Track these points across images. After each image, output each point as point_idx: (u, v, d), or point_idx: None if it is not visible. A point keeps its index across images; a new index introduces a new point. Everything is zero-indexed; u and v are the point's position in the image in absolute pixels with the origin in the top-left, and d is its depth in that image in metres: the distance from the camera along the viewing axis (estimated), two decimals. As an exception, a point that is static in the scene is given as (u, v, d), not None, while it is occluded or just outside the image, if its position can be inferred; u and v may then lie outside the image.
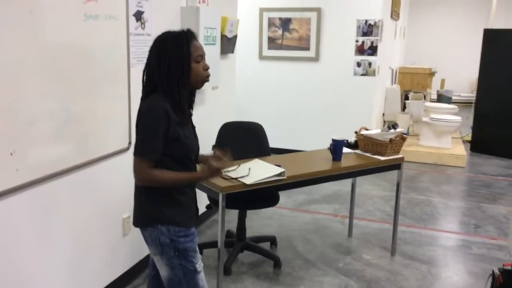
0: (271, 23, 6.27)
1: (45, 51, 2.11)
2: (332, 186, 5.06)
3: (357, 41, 5.97)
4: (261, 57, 6.40)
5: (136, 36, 2.82)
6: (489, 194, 5.10)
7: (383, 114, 7.12)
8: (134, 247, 3.02)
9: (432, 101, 8.89)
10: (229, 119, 3.78)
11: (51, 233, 2.30)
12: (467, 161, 6.37)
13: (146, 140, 1.80)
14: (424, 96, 7.65)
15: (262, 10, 6.27)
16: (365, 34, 5.93)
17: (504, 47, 6.57)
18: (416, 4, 11.54)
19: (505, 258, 3.52)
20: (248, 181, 2.55)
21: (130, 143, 2.80)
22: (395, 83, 8.43)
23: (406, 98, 7.68)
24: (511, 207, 4.71)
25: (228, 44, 4.07)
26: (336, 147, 3.12)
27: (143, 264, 3.09)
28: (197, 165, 2.05)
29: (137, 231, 2.00)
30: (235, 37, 4.20)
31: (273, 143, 3.62)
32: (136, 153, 1.82)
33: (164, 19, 3.16)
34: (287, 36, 6.23)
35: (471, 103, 7.67)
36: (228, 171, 2.64)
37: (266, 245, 3.60)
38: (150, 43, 1.90)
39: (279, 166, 2.72)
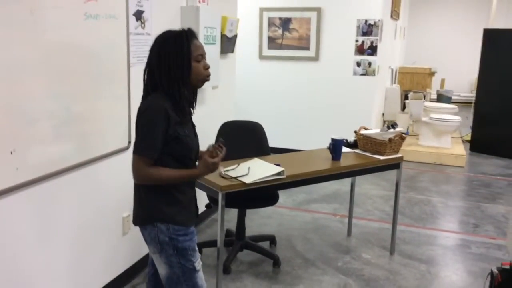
0: (271, 22, 6.27)
1: (45, 51, 2.12)
2: (332, 185, 5.06)
3: (357, 41, 5.97)
4: (261, 56, 6.41)
5: (136, 35, 2.82)
6: (488, 194, 5.11)
7: (383, 114, 7.13)
8: (134, 246, 3.02)
9: (431, 101, 8.90)
10: (229, 119, 3.79)
11: (51, 232, 2.31)
12: (467, 161, 6.38)
13: (145, 139, 1.81)
14: (424, 96, 7.66)
15: (262, 10, 6.27)
16: (365, 34, 5.93)
17: (504, 47, 6.58)
18: (416, 4, 11.55)
19: (504, 257, 3.53)
20: (247, 180, 2.55)
21: (130, 142, 2.81)
22: (395, 83, 8.44)
23: (406, 98, 7.69)
24: (510, 207, 4.72)
25: (228, 44, 4.08)
26: (335, 146, 3.12)
27: (143, 263, 3.09)
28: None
29: (136, 230, 2.01)
30: (235, 36, 4.21)
31: (272, 142, 3.63)
32: (135, 152, 1.83)
33: (164, 19, 3.16)
34: (287, 36, 6.23)
35: (471, 103, 7.67)
36: (227, 170, 2.65)
37: (265, 244, 3.61)
38: (150, 42, 1.90)
39: (278, 165, 2.73)
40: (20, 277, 2.15)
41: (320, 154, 3.27)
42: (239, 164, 2.75)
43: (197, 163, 2.01)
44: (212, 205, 3.20)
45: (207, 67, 1.92)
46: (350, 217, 3.90)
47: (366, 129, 3.44)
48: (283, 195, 4.62)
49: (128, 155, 2.75)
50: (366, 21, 5.90)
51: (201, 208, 2.97)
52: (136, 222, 1.96)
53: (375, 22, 5.88)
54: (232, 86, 4.50)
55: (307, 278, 3.17)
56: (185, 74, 1.85)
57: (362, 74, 6.02)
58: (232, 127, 3.51)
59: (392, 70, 7.98)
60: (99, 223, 2.68)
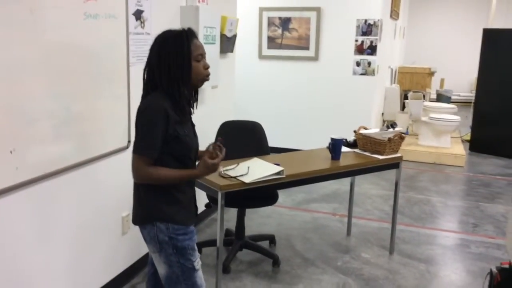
0: (270, 22, 6.28)
1: (45, 50, 2.12)
2: (331, 185, 5.07)
3: (356, 40, 5.98)
4: (261, 56, 6.41)
5: (135, 35, 2.82)
6: (487, 194, 5.11)
7: (383, 114, 7.13)
8: (133, 245, 3.03)
9: (431, 100, 8.91)
10: (228, 118, 3.79)
11: (51, 231, 2.31)
12: (466, 161, 6.38)
13: (145, 138, 1.81)
14: (423, 96, 7.66)
15: (261, 10, 6.27)
16: (364, 33, 5.93)
17: (504, 47, 6.58)
18: (416, 3, 11.55)
19: (503, 257, 3.53)
20: (247, 179, 2.55)
21: (129, 141, 2.81)
22: (394, 83, 8.44)
23: (406, 97, 7.69)
24: (510, 206, 4.72)
25: (227, 44, 4.08)
26: (335, 146, 3.13)
27: (142, 263, 3.10)
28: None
29: (136, 230, 2.01)
30: (235, 36, 4.21)
31: (272, 142, 3.63)
32: (134, 151, 1.83)
33: (163, 18, 3.17)
34: (287, 36, 6.23)
35: (470, 102, 7.67)
36: (227, 170, 2.66)
37: (265, 244, 3.61)
38: (150, 42, 1.91)
39: (278, 165, 2.73)
40: (20, 276, 2.15)
41: (320, 154, 3.27)
42: (238, 164, 2.75)
43: (197, 163, 2.01)
44: (211, 205, 3.20)
45: (206, 67, 1.93)
46: (350, 216, 3.90)
47: (365, 128, 3.45)
48: (282, 194, 4.62)
49: (128, 154, 2.75)
50: (365, 21, 5.90)
51: (201, 207, 2.97)
52: (135, 221, 1.96)
53: (374, 22, 5.88)
54: (231, 85, 4.50)
55: (306, 278, 3.17)
56: (185, 73, 1.85)
57: (361, 74, 6.03)
58: (232, 126, 3.51)
59: (392, 70, 7.98)
60: (98, 222, 2.68)
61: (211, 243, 3.37)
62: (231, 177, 2.59)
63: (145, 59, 1.90)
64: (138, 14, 2.83)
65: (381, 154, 3.25)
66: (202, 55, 1.90)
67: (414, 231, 4.02)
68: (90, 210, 2.59)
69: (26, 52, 2.02)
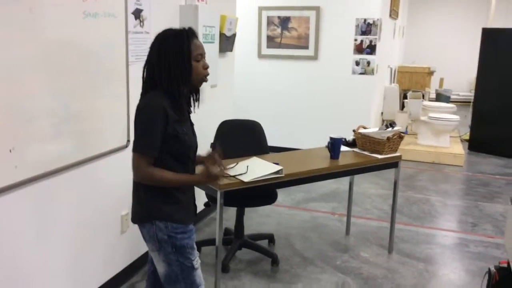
0: (270, 21, 6.28)
1: (45, 49, 2.12)
2: (331, 184, 5.07)
3: (355, 40, 5.98)
4: (260, 55, 6.41)
5: (134, 34, 2.83)
6: (486, 193, 5.12)
7: (382, 113, 7.13)
8: (132, 244, 3.03)
9: (430, 100, 8.92)
10: (227, 117, 3.79)
11: (50, 230, 2.31)
12: (465, 160, 6.39)
13: (144, 137, 1.82)
14: (423, 95, 7.67)
15: (261, 9, 6.27)
16: (364, 33, 5.94)
17: (503, 47, 6.59)
18: (415, 3, 11.55)
19: (502, 256, 3.54)
20: (246, 178, 2.56)
21: (128, 140, 2.81)
22: (393, 82, 8.44)
23: (405, 97, 7.70)
24: (508, 206, 4.72)
25: (226, 43, 4.08)
26: (334, 145, 3.13)
27: (142, 261, 3.10)
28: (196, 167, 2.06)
29: (135, 228, 2.01)
30: (234, 35, 4.21)
31: (271, 141, 3.63)
32: (134, 150, 1.83)
33: (163, 17, 3.17)
34: (286, 35, 6.23)
35: (470, 102, 7.68)
36: (226, 169, 2.65)
37: (264, 243, 3.62)
38: (149, 41, 1.91)
39: (277, 164, 2.73)
40: (19, 275, 2.15)
41: (319, 153, 3.27)
42: (237, 163, 2.75)
43: (197, 167, 2.03)
44: (210, 204, 3.20)
45: (206, 67, 1.93)
46: (349, 216, 3.91)
47: (364, 128, 3.45)
48: (281, 193, 4.63)
49: (127, 153, 2.76)
50: (365, 20, 5.90)
51: (200, 206, 2.97)
52: (134, 220, 1.96)
53: (374, 21, 5.88)
54: (231, 85, 4.50)
55: (305, 277, 3.18)
56: (184, 73, 1.85)
57: (361, 73, 6.03)
58: (231, 125, 3.51)
59: (391, 69, 7.98)
60: (97, 221, 2.69)
61: (210, 242, 3.37)
62: (230, 176, 2.59)
63: (145, 58, 1.91)
64: (137, 13, 2.83)
65: (380, 154, 3.25)
66: (202, 55, 1.91)
67: (413, 230, 4.02)
68: (89, 209, 2.60)
69: (26, 50, 2.02)
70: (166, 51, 1.84)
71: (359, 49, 5.98)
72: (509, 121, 6.58)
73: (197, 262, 1.96)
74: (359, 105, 6.09)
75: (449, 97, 9.19)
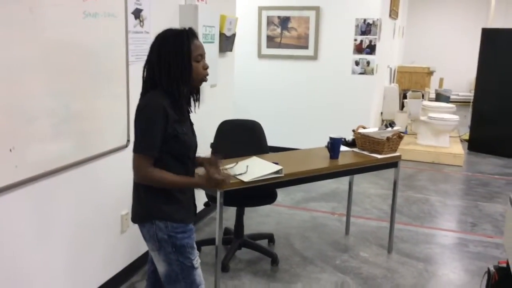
0: (270, 21, 6.28)
1: (45, 49, 2.13)
2: (330, 184, 5.07)
3: (355, 40, 5.98)
4: (260, 55, 6.41)
5: (134, 34, 2.83)
6: (486, 193, 5.12)
7: (381, 113, 7.14)
8: (132, 244, 3.03)
9: (430, 100, 8.92)
10: (227, 117, 3.79)
11: (50, 230, 2.31)
12: (465, 160, 6.39)
13: (145, 137, 1.82)
14: (422, 95, 7.67)
15: (261, 9, 6.27)
16: (363, 33, 5.94)
17: (502, 47, 6.59)
18: (415, 3, 11.56)
19: (501, 256, 3.54)
20: (246, 178, 2.56)
21: (128, 140, 2.81)
22: (393, 82, 8.45)
23: (405, 97, 7.70)
24: (508, 206, 4.72)
25: (226, 43, 4.08)
26: (333, 145, 3.13)
27: (141, 261, 3.10)
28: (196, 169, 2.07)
29: (135, 228, 2.02)
30: (234, 35, 4.21)
31: (271, 141, 3.64)
32: (135, 151, 1.84)
33: (162, 17, 3.17)
34: (286, 35, 6.24)
35: (469, 102, 7.68)
36: (226, 169, 2.66)
37: (263, 243, 3.62)
38: (149, 41, 1.92)
39: (277, 163, 2.74)
40: (18, 275, 2.15)
41: (319, 153, 3.28)
42: (237, 163, 2.75)
43: (197, 169, 2.03)
44: (210, 204, 3.21)
45: (206, 67, 1.93)
46: (348, 215, 3.91)
47: (364, 128, 3.45)
48: (281, 193, 4.63)
49: (127, 153, 2.77)
50: (364, 20, 5.91)
51: (200, 206, 2.98)
52: (134, 219, 1.97)
53: (373, 21, 5.88)
54: (230, 84, 4.51)
55: (305, 276, 3.18)
56: (184, 73, 1.86)
57: (360, 73, 6.03)
58: (231, 125, 3.52)
59: (391, 69, 7.99)
60: (97, 221, 2.69)
61: (210, 241, 3.37)
62: (230, 175, 2.59)
63: (144, 58, 1.91)
64: (137, 13, 2.84)
65: (380, 153, 3.25)
66: (202, 55, 1.91)
67: (413, 230, 4.03)
68: (89, 209, 2.60)
69: (26, 50, 2.02)
70: (166, 51, 1.84)
71: (358, 49, 5.99)
72: (508, 121, 6.59)
73: (197, 262, 1.97)
74: (358, 105, 6.09)
75: (448, 97, 9.19)
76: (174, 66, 1.84)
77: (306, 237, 3.81)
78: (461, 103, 10.41)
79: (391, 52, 8.00)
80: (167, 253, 1.90)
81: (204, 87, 3.83)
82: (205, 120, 3.68)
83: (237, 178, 2.57)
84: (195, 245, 1.97)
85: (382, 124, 3.84)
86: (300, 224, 4.09)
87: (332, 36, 6.07)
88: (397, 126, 3.52)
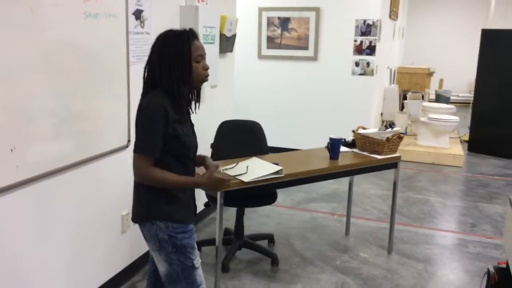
0: (270, 22, 6.29)
1: (45, 49, 2.13)
2: (330, 185, 5.08)
3: (355, 40, 5.99)
4: (260, 56, 6.42)
5: (135, 34, 2.83)
6: (486, 194, 5.13)
7: (381, 114, 7.14)
8: (133, 244, 3.03)
9: (430, 101, 8.92)
10: (227, 118, 3.80)
11: (50, 230, 2.32)
12: (465, 161, 6.40)
13: (146, 137, 1.82)
14: (422, 96, 7.67)
15: (261, 10, 6.28)
16: (363, 34, 5.95)
17: (502, 47, 6.59)
18: (415, 4, 11.57)
19: (501, 256, 3.55)
20: (246, 179, 2.56)
21: (129, 141, 2.82)
22: (393, 83, 8.45)
23: (404, 98, 7.70)
24: (507, 207, 4.73)
25: (227, 43, 4.09)
26: (333, 145, 3.14)
27: (142, 261, 3.11)
28: (196, 169, 2.08)
29: (136, 228, 2.02)
30: (234, 36, 4.22)
31: (271, 141, 3.64)
32: (135, 151, 1.84)
33: (163, 18, 3.18)
34: (286, 36, 6.24)
35: (469, 103, 7.69)
36: (226, 169, 2.66)
37: (264, 243, 3.62)
38: (150, 41, 1.93)
39: (277, 164, 2.74)
40: (19, 275, 2.16)
41: (319, 153, 3.28)
42: (237, 163, 2.76)
43: (197, 169, 2.04)
44: (210, 204, 3.21)
45: (206, 68, 1.94)
46: (348, 216, 3.91)
47: (364, 128, 3.46)
48: (281, 194, 4.64)
49: (128, 153, 2.77)
50: (364, 21, 5.92)
51: (200, 206, 2.98)
52: (135, 219, 1.97)
53: (373, 22, 5.89)
54: (231, 85, 4.51)
55: (305, 277, 3.18)
56: (184, 73, 1.86)
57: (360, 74, 6.04)
58: (231, 126, 3.52)
59: (391, 70, 7.99)
60: (98, 221, 2.69)
61: (210, 242, 3.38)
62: (230, 176, 2.60)
63: (145, 59, 1.92)
64: (138, 14, 2.84)
65: (380, 154, 3.26)
66: (202, 56, 1.92)
67: (413, 231, 4.03)
68: (90, 209, 2.60)
69: (26, 50, 2.03)
70: (167, 51, 1.85)
71: (358, 50, 5.99)
72: (508, 122, 6.59)
73: (197, 262, 1.97)
74: (358, 106, 6.10)
75: (448, 98, 9.20)
76: (174, 66, 1.85)
77: (306, 238, 3.82)
78: (461, 104, 10.41)
79: (391, 53, 8.01)
80: (167, 253, 1.90)
81: (205, 87, 3.83)
82: (205, 121, 3.69)
83: (237, 179, 2.57)
84: (195, 245, 1.98)
85: (382, 125, 3.85)
86: (300, 224, 4.09)
87: (332, 37, 6.07)
88: (397, 127, 3.52)
